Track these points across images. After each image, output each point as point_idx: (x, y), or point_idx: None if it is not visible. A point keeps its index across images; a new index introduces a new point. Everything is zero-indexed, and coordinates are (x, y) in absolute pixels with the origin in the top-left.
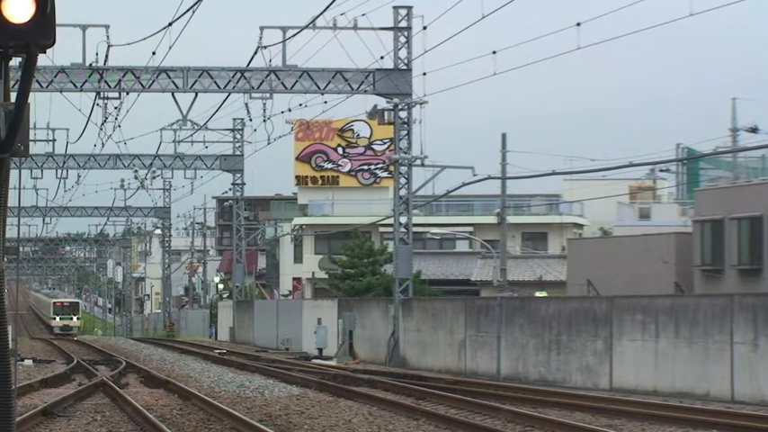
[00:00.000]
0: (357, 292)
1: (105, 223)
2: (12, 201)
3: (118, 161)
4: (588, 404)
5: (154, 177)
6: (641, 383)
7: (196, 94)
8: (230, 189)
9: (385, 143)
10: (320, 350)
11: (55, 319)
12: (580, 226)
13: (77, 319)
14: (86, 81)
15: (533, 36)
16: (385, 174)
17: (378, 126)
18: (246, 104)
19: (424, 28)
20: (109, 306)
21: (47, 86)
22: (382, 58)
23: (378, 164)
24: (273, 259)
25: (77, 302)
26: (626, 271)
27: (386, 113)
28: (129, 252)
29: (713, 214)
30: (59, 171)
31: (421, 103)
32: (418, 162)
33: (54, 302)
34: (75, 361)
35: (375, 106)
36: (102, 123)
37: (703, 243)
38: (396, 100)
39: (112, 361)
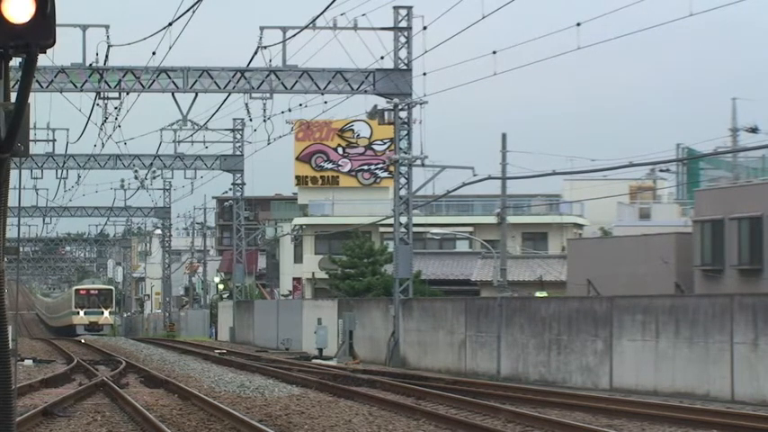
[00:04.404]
0: (357, 292)
1: (105, 223)
2: (12, 201)
3: (118, 161)
4: (588, 404)
5: (154, 177)
6: (641, 383)
7: (196, 94)
8: (230, 189)
9: (385, 143)
10: (320, 350)
11: (78, 313)
12: (580, 226)
13: (110, 313)
14: (86, 81)
15: (533, 36)
16: (385, 174)
17: (378, 126)
18: (246, 104)
19: (424, 28)
20: None
21: (47, 86)
22: (382, 58)
23: (378, 164)
24: (273, 259)
25: (110, 290)
26: (626, 271)
27: (386, 113)
28: (129, 252)
29: (713, 214)
30: (59, 171)
31: (421, 103)
32: (418, 162)
33: (78, 290)
34: (76, 361)
35: (375, 106)
36: (102, 123)
37: (703, 243)
38: (396, 100)
39: (112, 361)
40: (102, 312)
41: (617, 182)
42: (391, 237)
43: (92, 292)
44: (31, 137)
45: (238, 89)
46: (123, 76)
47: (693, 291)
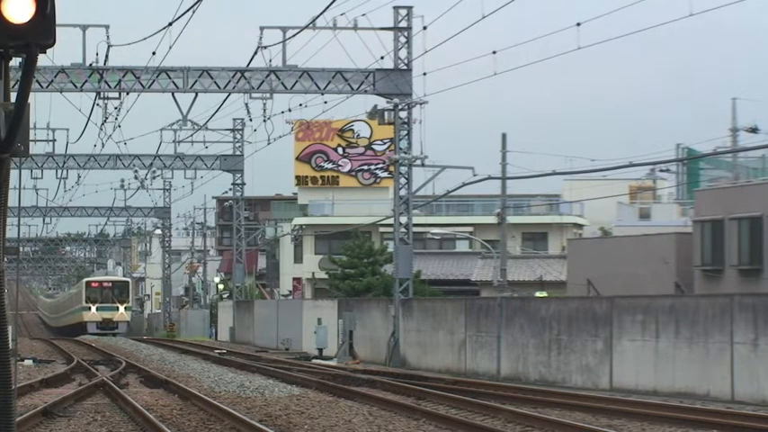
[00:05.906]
0: (357, 292)
1: (105, 223)
2: (12, 201)
3: (118, 161)
4: (588, 404)
5: (154, 177)
6: (641, 383)
7: (196, 94)
8: (230, 189)
9: (385, 143)
10: (320, 350)
11: (89, 309)
12: (580, 226)
13: (126, 309)
14: (86, 81)
15: (533, 36)
16: (385, 174)
17: (378, 126)
18: (246, 104)
19: (424, 28)
20: None
21: (47, 86)
22: (382, 58)
23: (378, 164)
24: (273, 259)
25: (126, 282)
26: (626, 271)
27: (386, 113)
28: (129, 252)
29: (713, 214)
30: (59, 171)
31: (421, 103)
32: (418, 162)
33: (89, 282)
34: (76, 361)
35: (375, 106)
36: (102, 123)
37: (703, 243)
38: (396, 100)
39: (112, 361)
40: (117, 308)
41: (617, 182)
42: (391, 237)
43: (105, 284)
44: (31, 137)
45: (238, 89)
46: (123, 76)
47: (693, 291)
